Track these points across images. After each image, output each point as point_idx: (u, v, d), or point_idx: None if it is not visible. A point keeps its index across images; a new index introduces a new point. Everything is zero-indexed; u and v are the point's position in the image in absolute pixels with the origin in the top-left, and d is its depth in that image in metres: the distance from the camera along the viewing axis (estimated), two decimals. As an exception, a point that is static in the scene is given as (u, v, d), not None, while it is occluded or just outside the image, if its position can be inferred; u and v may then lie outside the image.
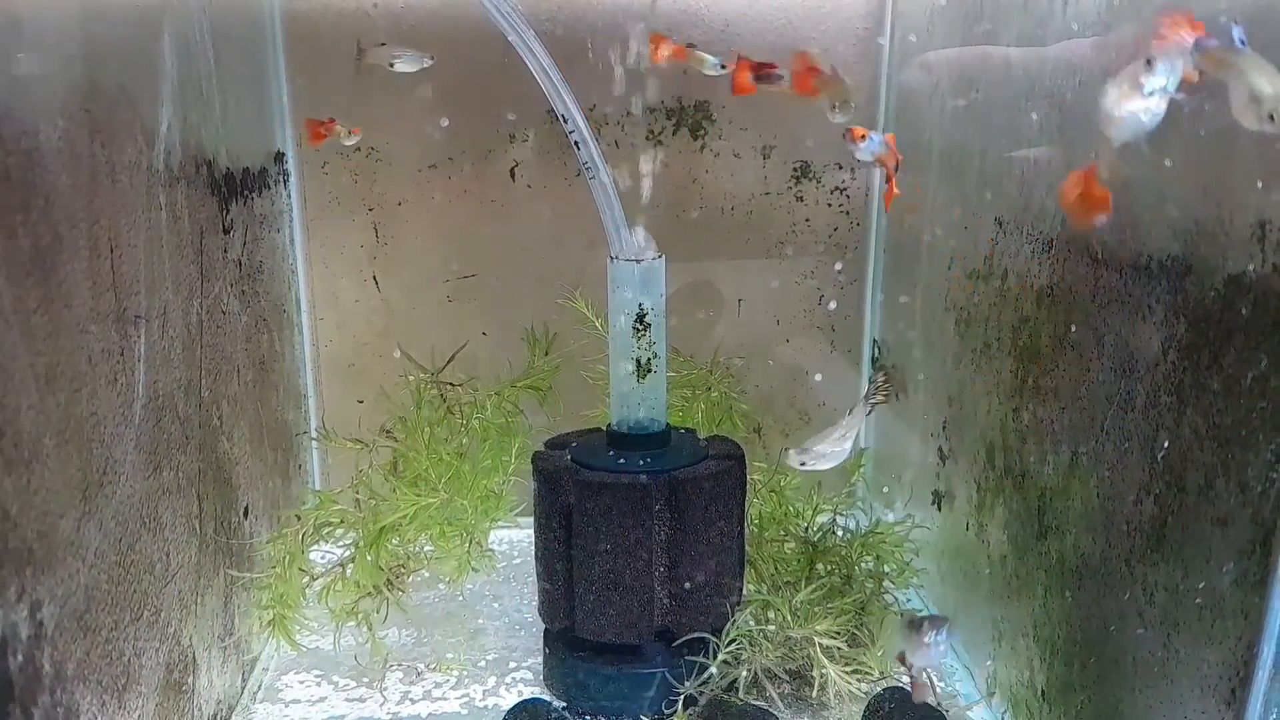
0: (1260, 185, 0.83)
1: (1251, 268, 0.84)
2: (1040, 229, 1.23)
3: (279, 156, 1.71)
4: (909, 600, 1.65)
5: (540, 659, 1.46)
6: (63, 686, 0.88)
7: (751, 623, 1.36)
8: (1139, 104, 0.79)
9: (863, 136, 1.15)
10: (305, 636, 1.49)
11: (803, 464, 1.18)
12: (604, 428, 1.42)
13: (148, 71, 1.15)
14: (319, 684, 1.46)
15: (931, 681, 1.40)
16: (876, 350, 1.89)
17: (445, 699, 1.42)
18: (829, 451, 1.17)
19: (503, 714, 1.32)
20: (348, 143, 1.57)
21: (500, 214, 1.81)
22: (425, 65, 1.49)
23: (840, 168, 1.83)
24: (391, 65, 1.49)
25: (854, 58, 1.78)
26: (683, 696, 1.33)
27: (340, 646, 1.45)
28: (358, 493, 1.52)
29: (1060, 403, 1.18)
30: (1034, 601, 1.24)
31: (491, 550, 1.63)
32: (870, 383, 1.21)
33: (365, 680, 1.46)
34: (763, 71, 1.16)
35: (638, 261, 1.31)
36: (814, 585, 1.41)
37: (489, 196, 1.80)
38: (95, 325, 0.96)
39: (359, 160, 1.77)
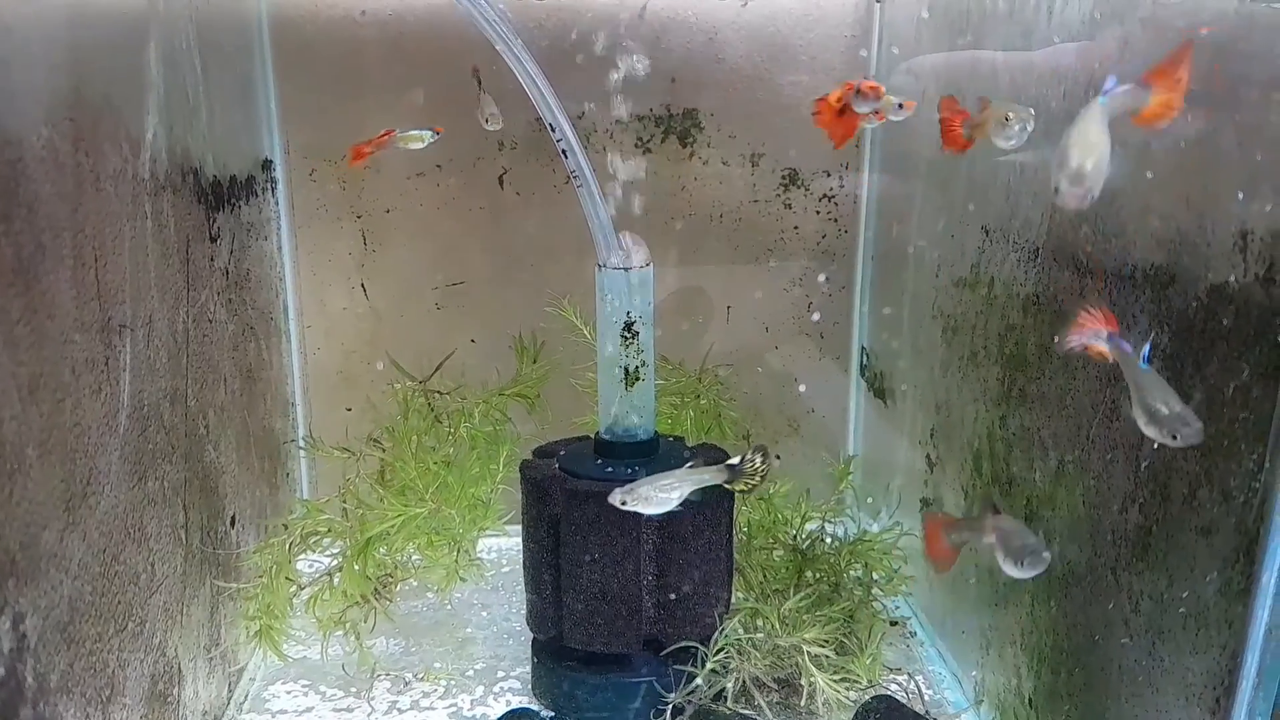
0: (1241, 196, 0.83)
1: (1233, 278, 0.84)
2: (1027, 237, 1.23)
3: (266, 164, 1.71)
4: (897, 608, 1.65)
5: (528, 668, 1.46)
6: (46, 699, 0.87)
7: (740, 631, 1.36)
8: None
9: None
10: (292, 646, 1.49)
11: (623, 503, 1.19)
12: (592, 436, 1.41)
13: (133, 80, 1.14)
14: (306, 694, 1.45)
15: (920, 689, 1.41)
16: (865, 357, 1.90)
17: (433, 709, 1.42)
18: (653, 496, 1.19)
19: (490, 724, 1.32)
20: (416, 146, 1.52)
21: (488, 222, 1.81)
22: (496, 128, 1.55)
23: (828, 175, 1.83)
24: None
25: (841, 66, 1.78)
26: (670, 706, 1.32)
27: (327, 656, 1.44)
28: (345, 502, 1.52)
29: (1046, 411, 1.18)
30: (1021, 609, 1.25)
31: (479, 559, 1.62)
32: (742, 462, 1.21)
33: (353, 690, 1.45)
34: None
35: (626, 269, 1.31)
36: (802, 593, 1.41)
37: (477, 204, 1.80)
38: (79, 335, 0.96)
39: (346, 168, 1.77)
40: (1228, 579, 0.85)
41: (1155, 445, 0.96)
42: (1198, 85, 0.86)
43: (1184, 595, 0.91)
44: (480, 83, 1.52)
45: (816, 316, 1.89)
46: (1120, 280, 1.01)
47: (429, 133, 1.50)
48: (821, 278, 1.87)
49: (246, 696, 1.45)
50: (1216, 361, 0.86)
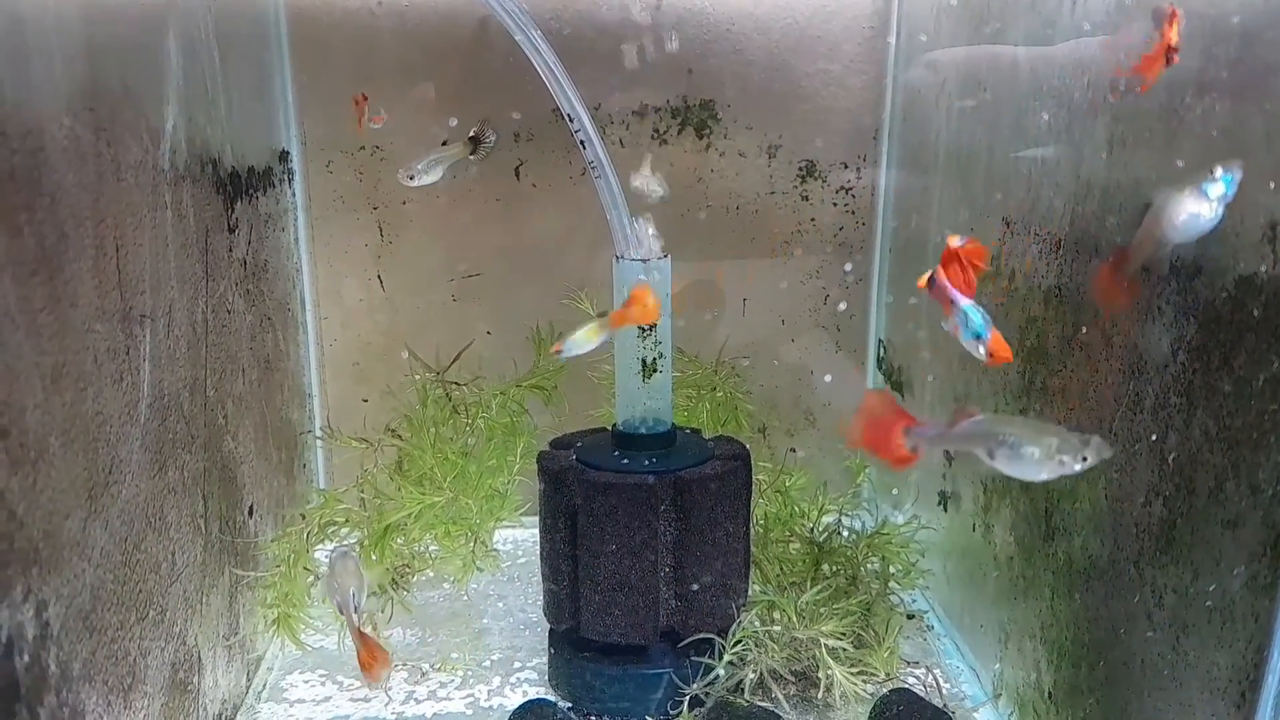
0: (1272, 186, 0.82)
1: (1263, 269, 0.83)
2: (1048, 229, 1.22)
3: (284, 155, 1.71)
4: (914, 601, 1.65)
5: (545, 659, 1.46)
6: (68, 686, 0.88)
7: (757, 624, 1.36)
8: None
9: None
10: (310, 635, 1.49)
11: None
12: (609, 428, 1.41)
13: (153, 70, 1.14)
14: (323, 683, 1.46)
15: (938, 683, 1.40)
16: (882, 350, 1.89)
17: (450, 699, 1.42)
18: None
19: (508, 714, 1.32)
20: (373, 125, 1.60)
21: (505, 213, 1.81)
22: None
23: (846, 167, 1.82)
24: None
25: (860, 57, 1.77)
26: (688, 698, 1.32)
27: (345, 646, 1.44)
28: (362, 492, 1.52)
29: (1068, 404, 1.17)
30: (1041, 603, 1.24)
31: (496, 550, 1.63)
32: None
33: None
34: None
35: (644, 261, 1.31)
36: (819, 586, 1.41)
37: (494, 195, 1.80)
38: (101, 324, 0.96)
39: (363, 159, 1.77)
40: (1254, 573, 0.85)
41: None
42: (1226, 73, 0.85)
43: (1210, 589, 0.91)
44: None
45: (842, 305, 1.88)
46: (1145, 272, 1.00)
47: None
48: (848, 266, 1.86)
49: (265, 685, 1.45)
50: (1245, 353, 0.86)
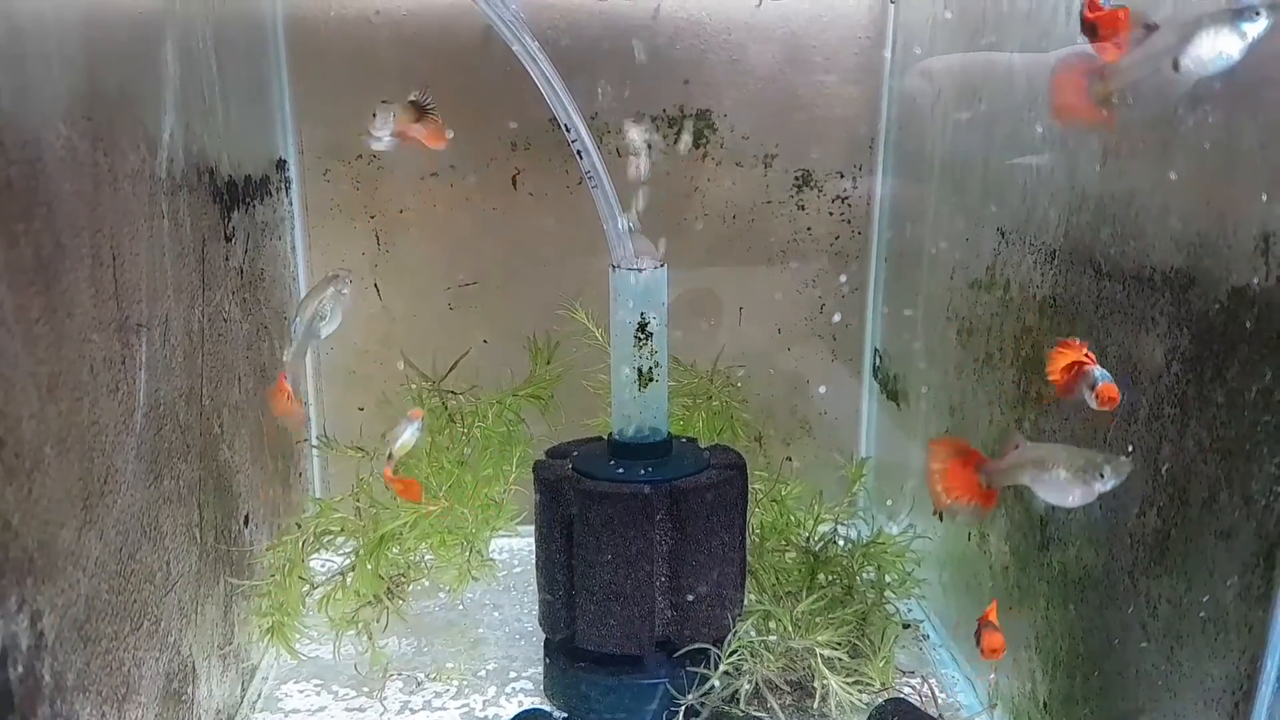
0: (1265, 198, 0.83)
1: (1256, 280, 0.84)
2: (1043, 239, 1.23)
3: (281, 164, 1.72)
4: (910, 610, 1.65)
5: (541, 669, 1.46)
6: (62, 697, 0.88)
7: (753, 633, 1.35)
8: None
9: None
10: (305, 645, 1.49)
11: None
12: (605, 437, 1.41)
13: (150, 79, 1.15)
14: (318, 693, 1.45)
15: (933, 692, 1.40)
16: (878, 359, 1.89)
17: (445, 709, 1.42)
18: None
19: (503, 724, 1.32)
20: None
21: (502, 222, 1.81)
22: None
23: (841, 177, 1.83)
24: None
25: (856, 67, 1.78)
26: (684, 708, 1.32)
27: (340, 655, 1.44)
28: (358, 501, 1.52)
29: (1063, 414, 1.18)
30: (1036, 613, 1.24)
31: (492, 559, 1.63)
32: None
33: (365, 690, 1.45)
34: None
35: (639, 270, 1.31)
36: (815, 595, 1.41)
37: (491, 204, 1.80)
38: (97, 334, 0.96)
39: (361, 168, 1.77)
40: (1248, 583, 0.85)
41: (1175, 449, 0.96)
42: (1219, 84, 0.85)
43: (1203, 600, 0.91)
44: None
45: (837, 317, 1.88)
46: (1139, 282, 1.01)
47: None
48: (843, 277, 1.87)
49: (259, 695, 1.45)
50: (1238, 364, 0.86)
